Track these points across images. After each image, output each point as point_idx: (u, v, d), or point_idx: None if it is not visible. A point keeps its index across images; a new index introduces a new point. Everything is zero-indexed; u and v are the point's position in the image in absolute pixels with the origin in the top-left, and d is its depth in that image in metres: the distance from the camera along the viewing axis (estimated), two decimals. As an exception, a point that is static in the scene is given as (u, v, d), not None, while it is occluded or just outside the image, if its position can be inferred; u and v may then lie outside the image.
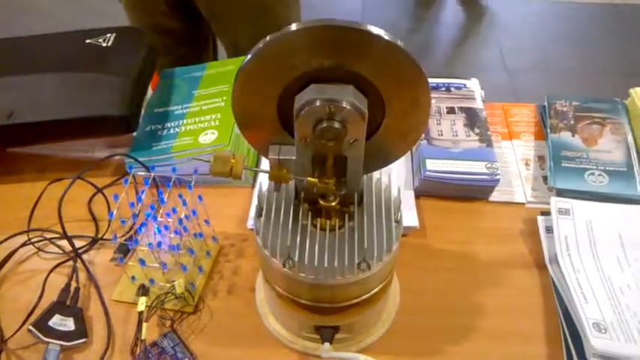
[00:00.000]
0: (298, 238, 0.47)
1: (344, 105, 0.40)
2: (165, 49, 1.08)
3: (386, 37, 0.39)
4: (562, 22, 2.38)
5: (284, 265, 0.45)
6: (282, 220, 0.48)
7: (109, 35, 0.79)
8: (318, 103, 0.40)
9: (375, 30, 0.39)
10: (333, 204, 0.48)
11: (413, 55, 0.40)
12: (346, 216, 0.48)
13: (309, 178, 0.44)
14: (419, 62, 0.41)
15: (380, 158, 0.48)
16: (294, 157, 0.46)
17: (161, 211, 0.57)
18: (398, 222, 0.48)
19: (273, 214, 0.49)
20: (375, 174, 0.51)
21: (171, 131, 0.70)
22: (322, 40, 0.39)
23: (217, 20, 1.07)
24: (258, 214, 0.49)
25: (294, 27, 0.39)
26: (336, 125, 0.41)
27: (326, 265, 0.45)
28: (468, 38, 2.32)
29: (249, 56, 0.40)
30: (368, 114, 0.42)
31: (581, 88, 1.93)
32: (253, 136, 0.47)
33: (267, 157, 0.47)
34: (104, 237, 0.64)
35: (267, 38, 0.39)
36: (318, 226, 0.48)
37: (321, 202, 0.48)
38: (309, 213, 0.49)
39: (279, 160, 0.46)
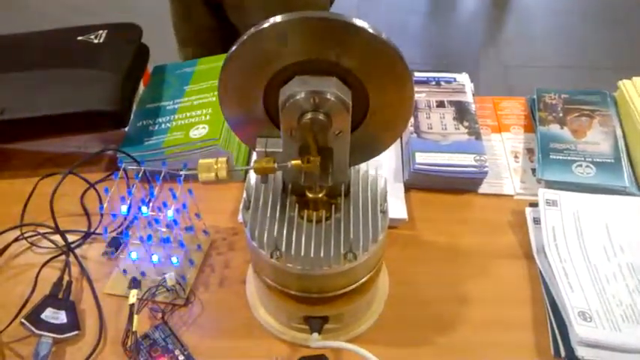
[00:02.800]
0: (285, 230, 0.47)
1: (328, 97, 0.41)
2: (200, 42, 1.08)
3: (370, 30, 0.40)
4: (556, 16, 2.39)
5: (272, 256, 0.46)
6: (270, 212, 0.49)
7: (100, 32, 0.80)
8: (302, 95, 0.41)
9: (359, 23, 0.40)
10: (320, 195, 0.48)
11: (396, 48, 0.41)
12: (333, 207, 0.49)
13: (293, 162, 0.44)
14: (402, 55, 0.41)
15: (366, 150, 0.49)
16: (281, 150, 0.46)
17: (151, 205, 0.58)
18: (384, 213, 0.49)
19: (260, 206, 0.49)
20: (362, 166, 0.52)
21: (163, 126, 0.71)
22: (306, 33, 0.40)
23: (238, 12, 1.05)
24: (246, 207, 0.50)
25: (278, 19, 0.40)
26: (321, 117, 0.42)
27: (312, 255, 0.46)
28: (462, 33, 2.32)
29: (233, 49, 0.41)
30: (352, 106, 0.42)
31: (576, 82, 1.94)
32: (241, 129, 0.48)
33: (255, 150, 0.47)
34: (96, 231, 0.64)
35: (251, 30, 0.40)
36: (305, 217, 0.49)
37: (309, 193, 0.49)
38: (297, 205, 0.49)
39: (265, 152, 0.46)
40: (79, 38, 0.79)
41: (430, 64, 2.09)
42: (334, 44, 0.40)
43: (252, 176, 0.50)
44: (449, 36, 2.31)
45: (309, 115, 0.42)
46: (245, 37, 0.40)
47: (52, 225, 0.61)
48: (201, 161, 0.47)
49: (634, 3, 2.41)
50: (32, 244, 0.63)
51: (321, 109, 0.42)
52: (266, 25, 0.40)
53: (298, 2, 0.95)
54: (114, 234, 0.63)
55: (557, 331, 0.53)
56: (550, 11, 2.42)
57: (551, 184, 0.66)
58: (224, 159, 0.47)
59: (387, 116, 0.45)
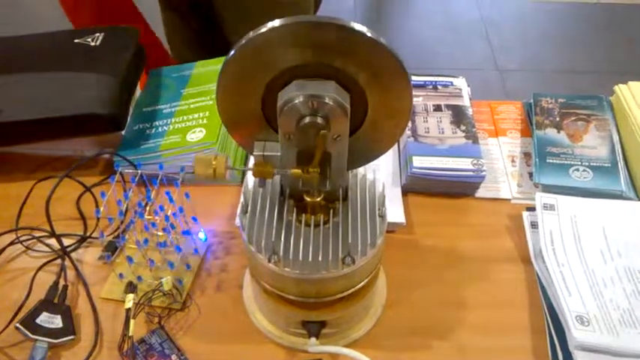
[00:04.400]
0: (283, 234, 0.47)
1: (326, 101, 0.41)
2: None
3: (368, 34, 0.40)
4: (552, 21, 2.40)
5: (269, 261, 0.46)
6: (268, 216, 0.48)
7: (97, 35, 0.79)
8: (300, 99, 0.41)
9: (358, 27, 0.40)
10: (318, 200, 0.48)
11: (395, 52, 0.41)
12: (331, 212, 0.49)
13: (292, 170, 0.44)
14: (401, 58, 0.41)
15: (364, 154, 0.48)
16: (278, 154, 0.46)
17: (148, 209, 0.57)
18: (382, 217, 0.49)
19: (258, 210, 0.49)
20: (360, 170, 0.52)
21: (160, 130, 0.70)
22: (305, 37, 0.40)
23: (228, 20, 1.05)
24: (244, 211, 0.49)
25: (276, 23, 0.39)
26: (319, 121, 0.42)
27: (310, 259, 0.46)
28: (460, 37, 2.33)
29: (231, 53, 0.41)
30: (350, 110, 0.42)
31: (572, 87, 1.95)
32: (239, 133, 0.48)
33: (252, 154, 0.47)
34: (92, 235, 0.64)
35: (250, 34, 0.40)
36: (303, 221, 0.48)
37: (307, 198, 0.48)
38: (295, 209, 0.49)
39: (263, 156, 0.46)
40: (76, 41, 0.78)
41: (427, 67, 2.10)
42: (333, 48, 0.40)
43: (250, 180, 0.50)
44: (445, 39, 2.31)
45: (307, 120, 0.42)
46: (243, 41, 0.40)
47: (48, 229, 0.61)
48: (197, 156, 0.46)
49: (630, 8, 2.42)
50: (28, 247, 0.63)
51: (320, 114, 0.42)
52: (264, 29, 0.40)
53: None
54: (110, 238, 0.62)
55: (554, 336, 0.53)
56: (546, 15, 2.43)
57: (548, 189, 0.66)
58: (223, 157, 0.46)
59: (385, 120, 0.45)
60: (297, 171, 0.44)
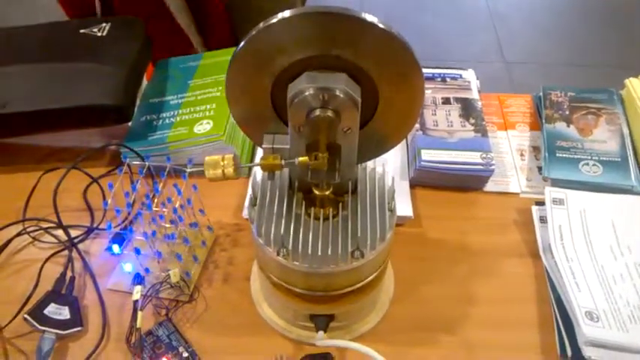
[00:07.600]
0: (292, 227, 0.47)
1: (337, 93, 0.40)
2: None
3: (380, 25, 0.39)
4: (559, 13, 2.38)
5: (278, 254, 0.46)
6: (277, 209, 0.48)
7: (104, 25, 0.79)
8: (311, 92, 0.40)
9: (369, 18, 0.39)
10: (327, 193, 0.48)
11: (407, 44, 0.40)
12: (340, 205, 0.49)
13: (300, 158, 0.44)
14: (413, 50, 0.40)
15: (374, 147, 0.48)
16: (288, 146, 0.46)
17: (156, 201, 0.57)
18: (392, 211, 0.48)
19: (267, 203, 0.49)
20: (370, 163, 0.51)
21: (167, 121, 0.70)
22: (315, 28, 0.39)
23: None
24: (253, 204, 0.49)
25: (287, 14, 0.39)
26: (329, 114, 0.41)
27: (320, 253, 0.45)
28: (466, 29, 2.31)
29: (241, 44, 0.40)
30: (361, 102, 0.42)
31: (579, 80, 1.93)
32: (248, 125, 0.48)
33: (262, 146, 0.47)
34: (99, 226, 0.64)
35: (260, 25, 0.39)
36: (312, 215, 0.48)
37: (316, 191, 0.48)
38: (304, 202, 0.49)
39: (273, 149, 0.46)
40: (82, 31, 0.78)
41: (432, 59, 2.08)
42: (344, 40, 0.40)
43: (258, 172, 0.49)
44: (451, 31, 2.30)
45: (317, 112, 0.41)
46: (254, 32, 0.39)
47: (55, 220, 0.61)
48: (207, 159, 0.46)
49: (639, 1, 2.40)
50: (35, 238, 0.63)
51: (330, 106, 0.41)
52: (274, 20, 0.39)
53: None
54: (117, 229, 0.62)
55: (563, 331, 0.53)
56: (553, 7, 2.40)
57: (557, 183, 0.66)
58: (230, 156, 0.46)
59: (396, 113, 0.44)
60: (305, 158, 0.44)
